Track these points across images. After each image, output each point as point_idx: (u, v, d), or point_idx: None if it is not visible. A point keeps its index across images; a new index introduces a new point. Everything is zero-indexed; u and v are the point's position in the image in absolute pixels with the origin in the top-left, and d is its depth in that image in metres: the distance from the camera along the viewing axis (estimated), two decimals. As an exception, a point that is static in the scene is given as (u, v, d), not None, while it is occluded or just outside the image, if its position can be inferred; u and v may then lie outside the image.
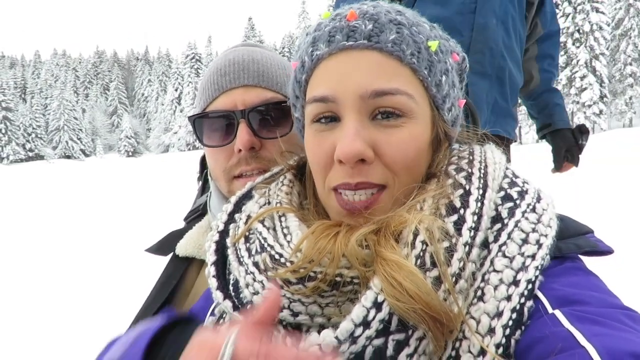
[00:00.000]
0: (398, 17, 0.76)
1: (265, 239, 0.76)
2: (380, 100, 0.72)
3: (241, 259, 0.78)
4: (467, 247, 0.66)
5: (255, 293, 0.72)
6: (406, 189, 0.76)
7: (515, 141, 2.33)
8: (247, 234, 0.81)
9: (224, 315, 0.81)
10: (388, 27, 0.74)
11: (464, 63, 0.88)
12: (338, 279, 0.68)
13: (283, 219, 0.79)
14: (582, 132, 2.43)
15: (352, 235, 0.69)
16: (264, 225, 0.79)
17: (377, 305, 0.62)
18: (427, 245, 0.65)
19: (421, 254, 0.65)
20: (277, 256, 0.72)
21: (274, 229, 0.78)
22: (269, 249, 0.74)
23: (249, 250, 0.78)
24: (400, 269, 0.63)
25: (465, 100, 0.89)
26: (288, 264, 0.70)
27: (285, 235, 0.76)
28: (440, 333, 0.62)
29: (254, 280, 0.73)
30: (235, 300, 0.76)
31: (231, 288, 0.78)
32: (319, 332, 0.62)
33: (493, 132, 2.00)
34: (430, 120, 0.78)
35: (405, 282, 0.61)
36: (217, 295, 0.78)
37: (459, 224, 0.68)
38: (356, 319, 0.61)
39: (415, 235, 0.66)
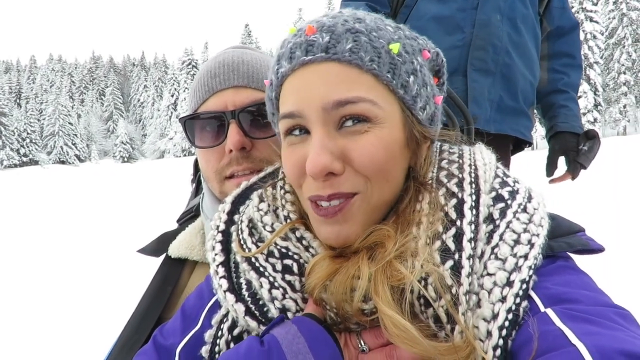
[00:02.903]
0: (356, 25, 0.75)
1: (306, 262, 0.78)
2: (343, 110, 0.72)
3: (261, 270, 0.78)
4: (471, 260, 0.67)
5: (284, 309, 0.75)
6: (382, 192, 0.76)
7: (531, 144, 2.19)
8: (255, 241, 0.83)
9: (222, 325, 0.81)
10: (344, 37, 0.74)
11: (439, 58, 0.87)
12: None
13: (305, 242, 0.80)
14: (589, 137, 2.16)
15: (351, 279, 0.71)
16: (296, 246, 0.80)
17: None
18: (423, 284, 0.66)
19: (420, 292, 0.67)
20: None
21: (299, 250, 0.80)
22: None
23: (272, 264, 0.78)
24: (395, 327, 0.64)
25: (442, 97, 0.87)
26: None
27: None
28: None
29: (284, 297, 0.76)
30: (252, 306, 0.77)
31: (245, 293, 0.78)
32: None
33: (499, 132, 1.96)
34: (400, 122, 0.77)
35: (402, 344, 0.64)
36: (228, 298, 0.78)
37: (458, 238, 0.68)
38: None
39: (425, 281, 0.67)
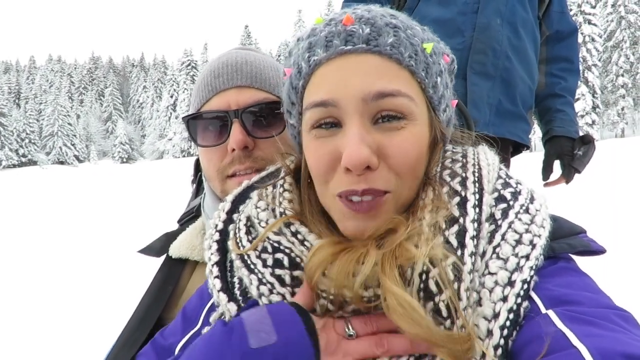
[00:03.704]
0: (393, 21, 0.76)
1: (300, 258, 0.76)
2: (382, 103, 0.71)
3: (251, 267, 0.77)
4: (473, 258, 0.66)
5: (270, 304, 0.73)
6: (410, 191, 0.76)
7: (529, 147, 2.20)
8: (252, 239, 0.81)
9: (222, 317, 0.80)
10: (385, 30, 0.73)
11: (453, 64, 0.88)
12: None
13: (300, 236, 0.78)
14: (584, 142, 2.17)
15: (354, 264, 0.70)
16: (289, 240, 0.78)
17: None
18: (427, 272, 0.65)
19: (421, 285, 0.66)
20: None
21: (293, 245, 0.78)
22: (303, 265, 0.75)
23: (263, 260, 0.77)
24: (400, 305, 0.63)
25: (457, 101, 0.89)
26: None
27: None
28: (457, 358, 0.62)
29: (271, 292, 0.74)
30: (244, 305, 0.76)
31: (237, 292, 0.78)
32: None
33: (498, 135, 1.97)
34: (428, 122, 0.78)
35: (405, 324, 0.63)
36: (221, 297, 0.78)
37: (461, 235, 0.68)
38: None
39: (426, 275, 0.66)
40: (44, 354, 4.00)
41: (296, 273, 0.75)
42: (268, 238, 0.79)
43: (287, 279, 0.75)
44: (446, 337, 0.62)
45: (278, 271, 0.75)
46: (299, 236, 0.78)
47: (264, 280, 0.75)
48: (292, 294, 0.75)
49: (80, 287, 5.89)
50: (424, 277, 0.66)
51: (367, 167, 0.71)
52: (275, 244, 0.78)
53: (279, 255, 0.77)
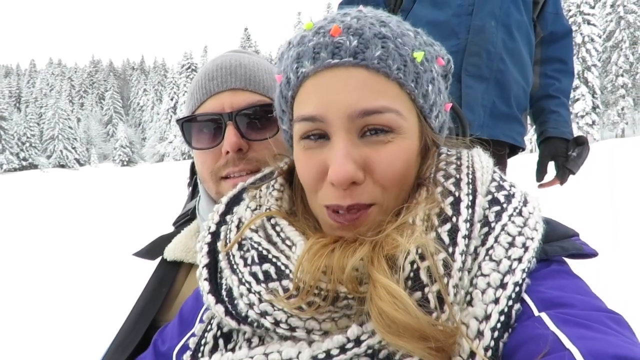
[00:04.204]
0: (383, 30, 0.74)
1: (267, 250, 0.76)
2: (369, 119, 0.72)
3: (234, 267, 0.77)
4: (463, 256, 0.66)
5: (250, 304, 0.72)
6: (397, 200, 0.77)
7: (524, 149, 2.21)
8: (239, 240, 0.81)
9: (212, 321, 0.81)
10: (373, 42, 0.72)
11: (449, 65, 0.87)
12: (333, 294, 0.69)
13: (278, 228, 0.79)
14: (578, 143, 2.17)
15: (348, 257, 0.69)
16: (260, 235, 0.79)
17: (357, 341, 0.66)
18: (419, 263, 0.64)
19: (411, 274, 0.65)
20: (282, 267, 0.73)
21: (272, 239, 0.78)
22: (274, 260, 0.74)
23: (244, 258, 0.77)
24: (389, 294, 0.62)
25: (451, 104, 0.88)
26: (291, 276, 0.71)
27: (290, 246, 0.76)
28: (441, 358, 0.61)
29: (249, 291, 0.73)
30: (229, 306, 0.76)
31: (224, 293, 0.78)
32: None
33: (492, 138, 1.97)
34: (417, 131, 0.78)
35: (394, 311, 0.61)
36: (209, 299, 0.78)
37: (453, 233, 0.68)
38: (336, 343, 0.66)
39: (407, 257, 0.65)
40: (42, 355, 4.01)
41: (265, 267, 0.74)
42: (252, 238, 0.79)
43: (260, 275, 0.74)
44: (434, 326, 0.61)
45: (254, 268, 0.75)
46: (277, 228, 0.79)
47: (243, 280, 0.74)
48: (267, 290, 0.73)
49: (77, 289, 5.90)
50: (414, 266, 0.65)
51: (352, 182, 0.72)
52: (250, 241, 0.78)
53: (252, 252, 0.77)
